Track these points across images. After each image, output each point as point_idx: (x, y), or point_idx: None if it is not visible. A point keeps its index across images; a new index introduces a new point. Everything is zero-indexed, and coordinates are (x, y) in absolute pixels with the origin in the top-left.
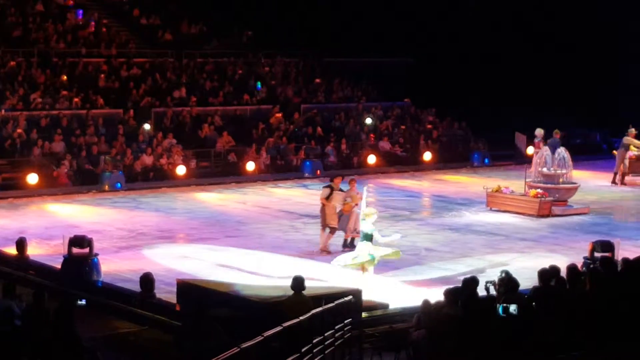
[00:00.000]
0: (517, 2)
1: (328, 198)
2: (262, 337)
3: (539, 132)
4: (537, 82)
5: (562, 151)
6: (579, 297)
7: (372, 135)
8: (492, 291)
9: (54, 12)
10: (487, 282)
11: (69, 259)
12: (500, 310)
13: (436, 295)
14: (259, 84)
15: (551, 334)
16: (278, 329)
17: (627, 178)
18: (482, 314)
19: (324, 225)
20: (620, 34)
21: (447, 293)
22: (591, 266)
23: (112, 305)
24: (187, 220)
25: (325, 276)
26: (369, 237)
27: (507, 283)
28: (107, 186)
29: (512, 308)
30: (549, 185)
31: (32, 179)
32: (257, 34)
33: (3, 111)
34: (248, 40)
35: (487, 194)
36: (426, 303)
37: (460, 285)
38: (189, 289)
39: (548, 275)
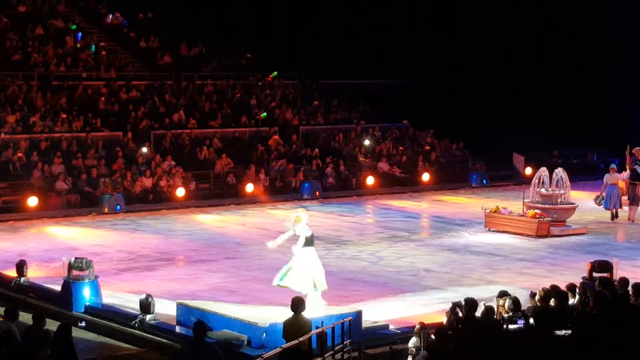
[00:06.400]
0: (516, 24)
1: None
2: (262, 359)
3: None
4: (535, 102)
5: (560, 171)
6: (580, 317)
7: (367, 159)
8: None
9: (53, 36)
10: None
11: (69, 281)
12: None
13: (434, 316)
14: (264, 114)
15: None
16: (277, 350)
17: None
18: (481, 334)
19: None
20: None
21: (446, 314)
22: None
23: (111, 327)
24: (187, 242)
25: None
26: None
27: (515, 304)
28: (106, 208)
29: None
30: (547, 206)
31: (32, 201)
32: (255, 56)
33: (3, 134)
34: (247, 62)
35: (486, 214)
36: (422, 325)
37: (458, 306)
38: (188, 311)
39: (548, 295)
